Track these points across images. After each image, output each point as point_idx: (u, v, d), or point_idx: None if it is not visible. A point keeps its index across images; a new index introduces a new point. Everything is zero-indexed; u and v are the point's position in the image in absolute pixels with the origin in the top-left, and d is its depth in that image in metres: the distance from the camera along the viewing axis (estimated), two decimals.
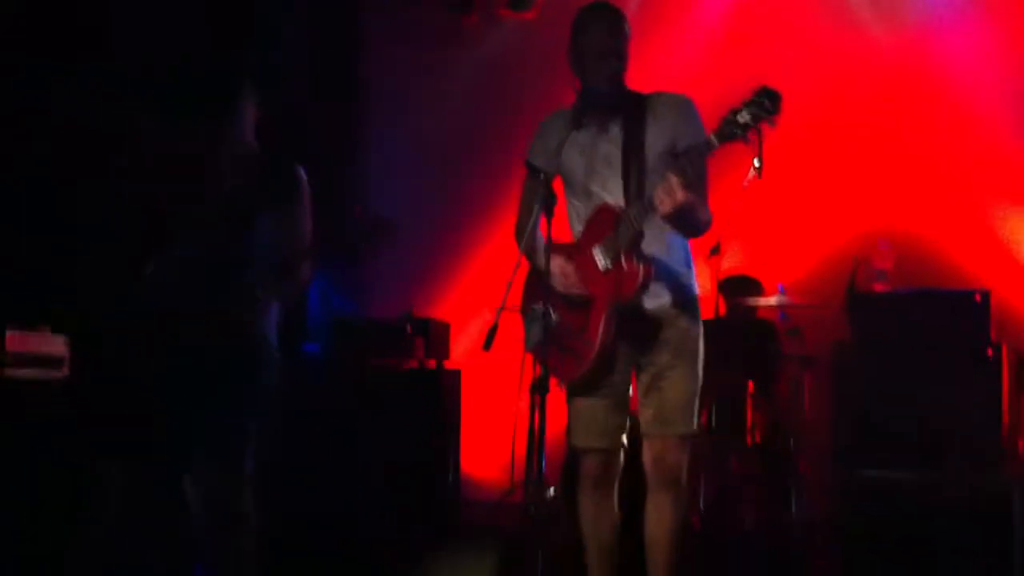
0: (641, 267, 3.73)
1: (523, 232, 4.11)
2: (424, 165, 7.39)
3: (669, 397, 3.83)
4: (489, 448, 7.22)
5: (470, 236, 7.56)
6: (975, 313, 5.34)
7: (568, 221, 3.96)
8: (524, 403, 6.69)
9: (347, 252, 4.22)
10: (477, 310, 7.26)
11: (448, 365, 6.85)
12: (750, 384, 5.75)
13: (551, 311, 3.86)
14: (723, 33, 6.92)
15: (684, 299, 3.87)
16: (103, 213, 4.64)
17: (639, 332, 3.83)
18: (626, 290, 3.75)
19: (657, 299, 3.82)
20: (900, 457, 5.25)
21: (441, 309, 7.34)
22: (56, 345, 4.69)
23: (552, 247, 3.89)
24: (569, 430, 3.98)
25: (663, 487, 3.83)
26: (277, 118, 6.55)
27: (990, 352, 5.29)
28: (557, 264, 3.81)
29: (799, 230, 6.52)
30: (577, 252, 3.84)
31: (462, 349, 7.04)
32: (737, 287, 6.23)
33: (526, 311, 4.06)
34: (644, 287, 3.76)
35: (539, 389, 6.26)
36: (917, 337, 5.38)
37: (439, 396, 6.63)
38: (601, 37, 3.80)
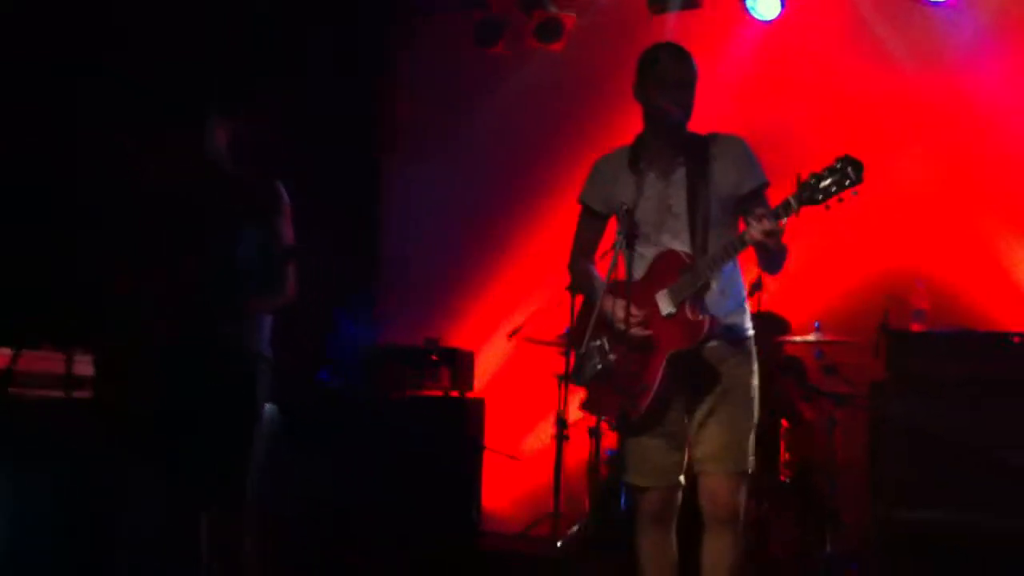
0: (706, 318, 3.74)
1: (576, 269, 4.13)
2: (445, 193, 7.38)
3: (722, 434, 3.82)
4: (504, 479, 7.17)
5: (488, 264, 7.54)
6: (1013, 354, 5.37)
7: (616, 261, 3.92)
8: (543, 437, 6.78)
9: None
10: (492, 338, 7.27)
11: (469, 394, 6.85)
12: (783, 421, 5.75)
13: (607, 349, 3.86)
14: (752, 74, 6.92)
15: (737, 339, 3.89)
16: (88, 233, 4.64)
17: (692, 371, 3.83)
18: (688, 339, 3.76)
19: (711, 340, 3.83)
20: (937, 497, 5.27)
21: (457, 337, 7.31)
22: (62, 364, 4.63)
23: (611, 287, 3.90)
24: (625, 468, 3.95)
25: (719, 525, 3.82)
26: (298, 136, 6.61)
27: None
28: (617, 305, 3.80)
29: (830, 267, 6.51)
30: (639, 295, 3.81)
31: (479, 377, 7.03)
32: (765, 324, 6.22)
33: (579, 346, 4.05)
34: (707, 339, 3.77)
35: (562, 424, 6.33)
36: (954, 376, 5.40)
37: (464, 425, 6.59)
38: (675, 66, 3.83)
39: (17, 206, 5.23)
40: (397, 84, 7.55)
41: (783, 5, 6.75)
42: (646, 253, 3.85)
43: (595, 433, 6.43)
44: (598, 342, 3.86)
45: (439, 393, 6.66)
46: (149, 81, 5.17)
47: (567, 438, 6.56)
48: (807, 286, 6.38)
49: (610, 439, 6.40)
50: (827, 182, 3.45)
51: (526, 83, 7.46)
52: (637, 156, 3.90)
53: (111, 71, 5.40)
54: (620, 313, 3.77)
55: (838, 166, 3.44)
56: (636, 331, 3.77)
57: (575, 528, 6.33)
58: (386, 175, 7.62)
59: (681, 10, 7.03)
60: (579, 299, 6.14)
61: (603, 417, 4.16)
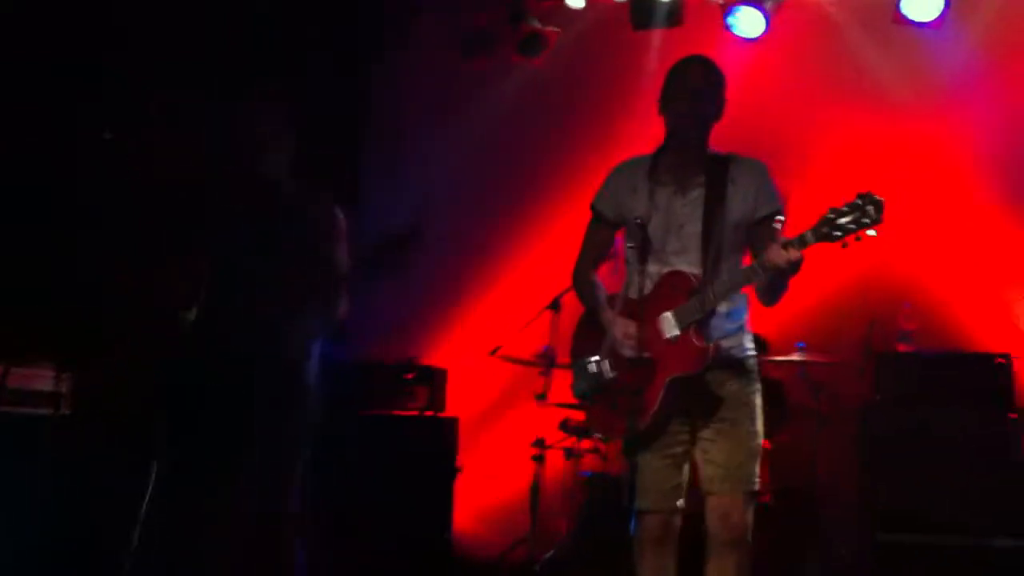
0: (710, 346, 3.65)
1: (581, 278, 4.02)
2: (424, 206, 7.24)
3: (729, 454, 3.73)
4: (477, 500, 7.01)
5: (465, 280, 7.40)
6: (999, 376, 5.36)
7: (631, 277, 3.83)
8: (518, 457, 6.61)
9: (368, 266, 4.14)
10: (468, 356, 7.10)
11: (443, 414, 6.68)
12: (765, 443, 5.64)
13: (606, 365, 3.74)
14: (735, 93, 6.84)
15: (739, 358, 3.80)
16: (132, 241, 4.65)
17: (696, 392, 3.73)
18: (691, 365, 3.66)
19: (709, 369, 3.71)
20: (925, 518, 5.21)
21: (432, 355, 7.14)
22: (54, 382, 4.71)
23: (613, 301, 3.80)
24: (626, 491, 3.82)
25: (728, 547, 3.70)
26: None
27: (1014, 415, 5.27)
28: (620, 322, 3.70)
29: (813, 286, 6.43)
30: (642, 313, 3.70)
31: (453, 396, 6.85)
32: None
33: (578, 358, 3.94)
34: (708, 367, 3.66)
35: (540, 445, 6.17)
36: (942, 397, 5.37)
37: (440, 446, 6.44)
38: (694, 76, 3.77)
39: (17, 207, 5.20)
40: (375, 91, 7.41)
41: (767, 24, 6.70)
42: (651, 270, 3.74)
43: (572, 454, 6.32)
44: (596, 356, 3.75)
45: (414, 413, 6.50)
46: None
47: (543, 459, 6.44)
48: (789, 306, 6.30)
49: (588, 460, 6.29)
50: (847, 219, 3.36)
51: (508, 96, 7.33)
52: (656, 167, 3.80)
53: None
54: (623, 332, 3.67)
55: (859, 203, 3.35)
56: (637, 352, 3.66)
57: (551, 552, 6.19)
58: (362, 185, 7.46)
59: (664, 27, 6.97)
60: (559, 317, 6.12)
61: (601, 436, 4.03)
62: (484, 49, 7.22)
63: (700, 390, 3.71)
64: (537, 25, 7.15)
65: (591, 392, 3.80)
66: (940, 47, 6.38)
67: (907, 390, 5.41)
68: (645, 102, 6.75)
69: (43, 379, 4.70)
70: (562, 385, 6.22)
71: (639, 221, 3.65)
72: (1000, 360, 5.34)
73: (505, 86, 7.34)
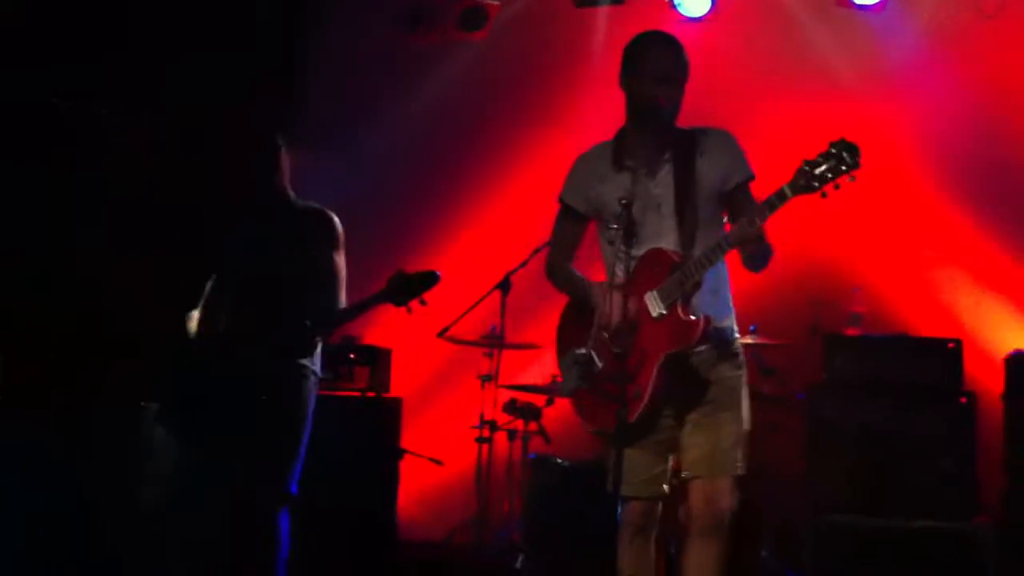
0: (701, 318, 3.60)
1: (558, 271, 3.97)
2: (365, 186, 7.09)
3: (718, 438, 3.71)
4: (420, 483, 6.92)
5: (411, 260, 7.25)
6: (948, 359, 5.40)
7: (603, 262, 3.82)
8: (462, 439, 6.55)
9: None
10: (411, 336, 6.99)
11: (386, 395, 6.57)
12: None
13: (594, 356, 3.68)
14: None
15: (726, 342, 3.79)
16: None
17: (686, 375, 3.70)
18: (682, 340, 3.62)
19: (702, 344, 3.69)
20: (872, 501, 5.27)
21: (374, 334, 7.02)
22: None
23: (596, 288, 3.75)
24: (608, 478, 3.78)
25: (709, 533, 3.70)
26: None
27: (963, 400, 5.33)
28: (604, 308, 3.63)
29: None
30: (626, 296, 3.66)
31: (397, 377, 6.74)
32: None
33: (565, 353, 3.88)
34: (702, 339, 3.62)
35: (492, 427, 6.12)
36: (891, 381, 5.42)
37: (382, 427, 6.33)
38: (665, 61, 3.70)
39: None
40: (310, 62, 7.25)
41: (713, 4, 6.68)
42: (634, 253, 3.70)
43: (515, 436, 6.28)
44: (584, 349, 3.69)
45: (356, 394, 6.37)
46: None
47: (489, 440, 6.38)
48: (736, 287, 6.33)
49: (536, 443, 6.25)
50: (822, 168, 3.33)
51: (451, 73, 7.23)
52: (620, 152, 3.75)
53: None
54: (607, 317, 3.61)
55: (833, 151, 3.33)
56: (622, 335, 3.61)
57: (498, 535, 6.15)
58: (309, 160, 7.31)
59: (608, 5, 6.91)
60: (509, 299, 6.05)
61: (594, 430, 3.94)
62: (419, 24, 7.09)
63: (691, 373, 3.70)
64: None
65: (579, 387, 3.73)
66: (885, 30, 6.44)
67: (854, 372, 5.42)
68: (590, 79, 6.80)
69: None
70: (508, 366, 6.21)
71: (624, 202, 3.58)
72: (951, 345, 5.39)
73: (449, 62, 7.22)
